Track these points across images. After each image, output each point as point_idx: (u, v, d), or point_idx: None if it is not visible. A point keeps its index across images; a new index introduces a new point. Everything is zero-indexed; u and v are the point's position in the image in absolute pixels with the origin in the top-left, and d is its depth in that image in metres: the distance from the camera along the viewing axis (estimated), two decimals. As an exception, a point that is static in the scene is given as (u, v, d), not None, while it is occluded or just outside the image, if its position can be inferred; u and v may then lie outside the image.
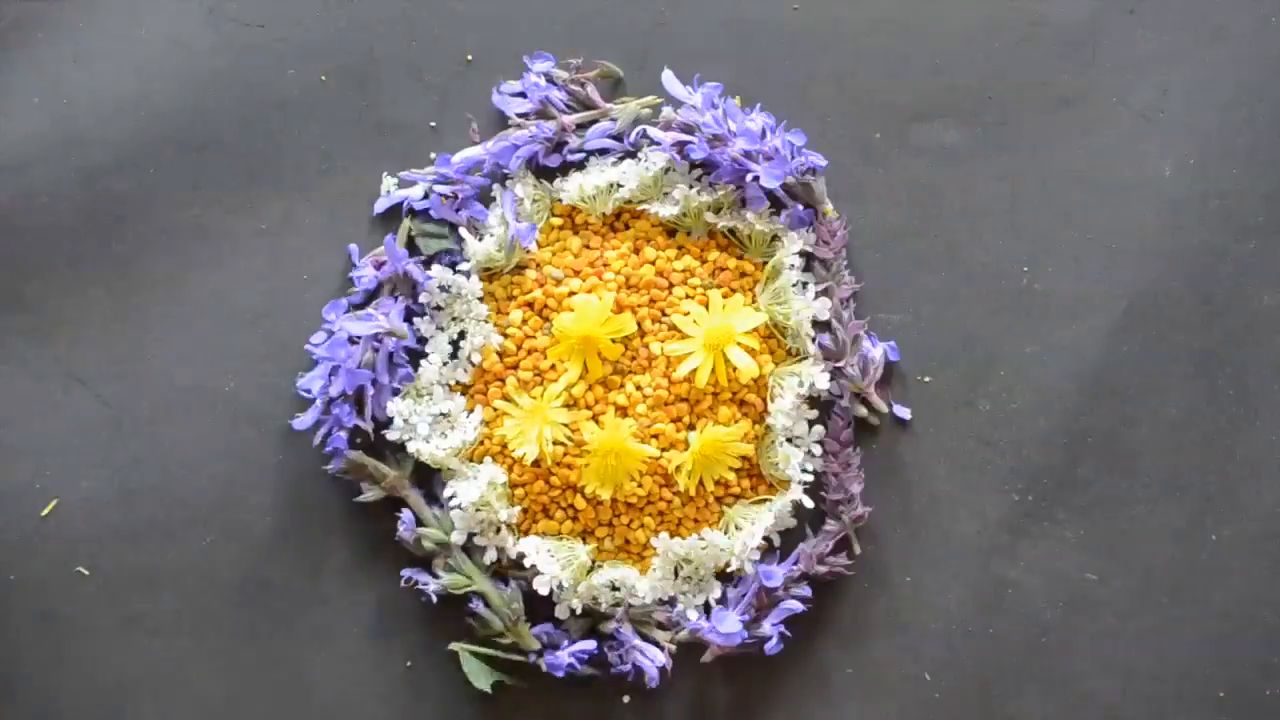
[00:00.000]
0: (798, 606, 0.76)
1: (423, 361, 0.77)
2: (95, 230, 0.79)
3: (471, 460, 0.78)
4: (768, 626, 0.76)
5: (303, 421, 0.76)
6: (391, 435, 0.77)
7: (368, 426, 0.77)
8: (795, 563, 0.77)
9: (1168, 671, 0.79)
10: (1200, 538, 0.79)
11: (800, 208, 0.78)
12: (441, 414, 0.77)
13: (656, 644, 0.76)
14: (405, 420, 0.77)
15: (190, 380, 0.79)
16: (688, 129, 0.78)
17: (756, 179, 0.77)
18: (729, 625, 0.75)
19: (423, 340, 0.78)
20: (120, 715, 0.78)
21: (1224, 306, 0.79)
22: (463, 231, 0.78)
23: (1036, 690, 0.79)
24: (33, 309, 0.79)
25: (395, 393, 0.78)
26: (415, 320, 0.78)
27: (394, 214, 0.80)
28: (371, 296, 0.79)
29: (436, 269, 0.77)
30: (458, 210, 0.79)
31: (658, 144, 0.77)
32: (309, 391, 0.77)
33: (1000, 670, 0.78)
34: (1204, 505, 0.79)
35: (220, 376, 0.78)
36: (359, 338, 0.77)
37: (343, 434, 0.76)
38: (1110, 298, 0.79)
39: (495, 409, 0.77)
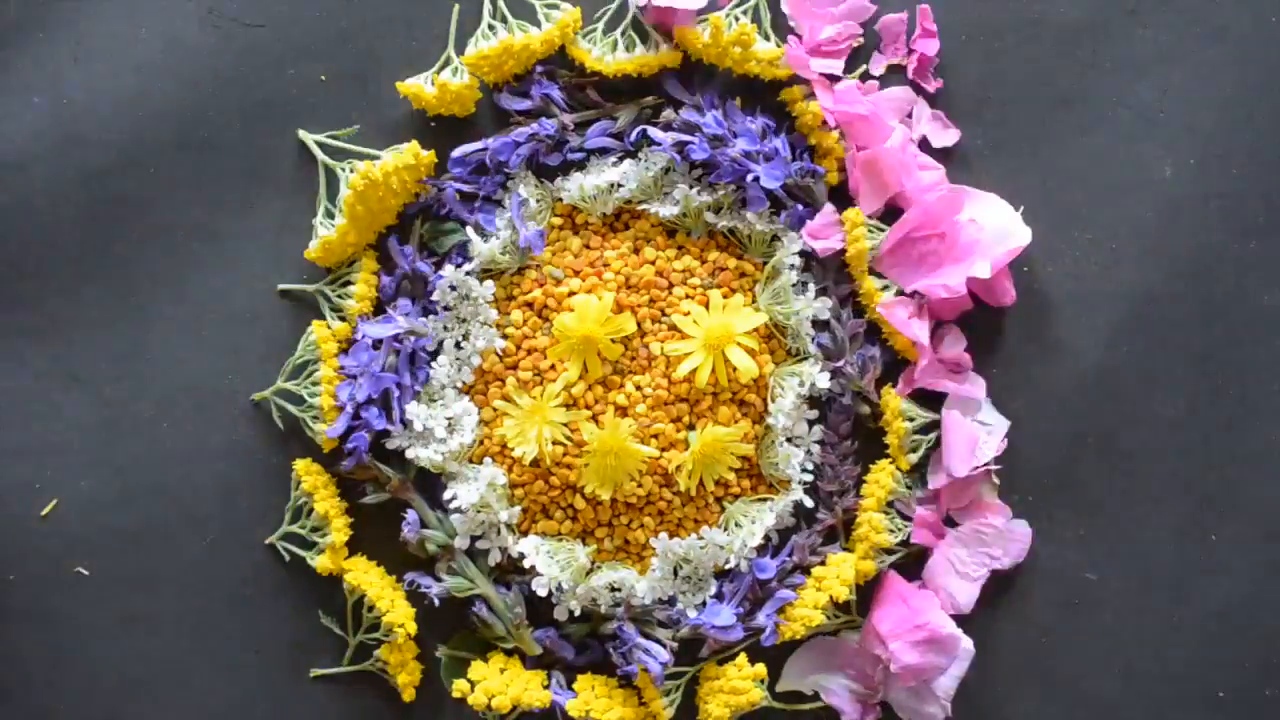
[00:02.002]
0: (791, 595, 0.76)
1: (433, 364, 0.77)
2: (95, 230, 0.79)
3: (471, 461, 0.78)
4: (762, 618, 0.76)
5: (334, 429, 0.76)
6: (391, 444, 0.77)
7: (396, 429, 0.77)
8: (789, 554, 0.78)
9: (1168, 671, 0.79)
10: (1200, 538, 0.79)
11: (800, 207, 0.78)
12: (446, 417, 0.77)
13: (659, 641, 0.76)
14: (424, 425, 0.77)
15: (190, 380, 0.79)
16: (688, 129, 0.78)
17: (757, 179, 0.77)
18: (723, 619, 0.75)
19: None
20: (120, 715, 0.78)
21: (1224, 306, 0.79)
22: (469, 231, 0.78)
23: (1036, 690, 0.79)
24: (33, 309, 0.79)
25: (418, 394, 0.78)
26: (428, 319, 0.78)
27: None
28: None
29: (449, 269, 0.77)
30: (473, 211, 0.79)
31: (658, 144, 0.77)
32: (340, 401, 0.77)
33: (1000, 670, 0.78)
34: (1204, 505, 0.79)
35: (220, 376, 0.78)
36: (380, 341, 0.77)
37: (365, 435, 0.77)
38: (1110, 298, 0.79)
39: (495, 409, 0.77)
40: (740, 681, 0.75)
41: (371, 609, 0.76)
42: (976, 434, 0.77)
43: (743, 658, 0.76)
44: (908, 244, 0.77)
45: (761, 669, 0.75)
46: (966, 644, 0.76)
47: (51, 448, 0.78)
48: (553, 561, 0.76)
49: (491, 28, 0.78)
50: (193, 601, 0.78)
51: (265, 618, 0.78)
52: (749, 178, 0.77)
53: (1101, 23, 0.80)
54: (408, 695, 0.77)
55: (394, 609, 0.76)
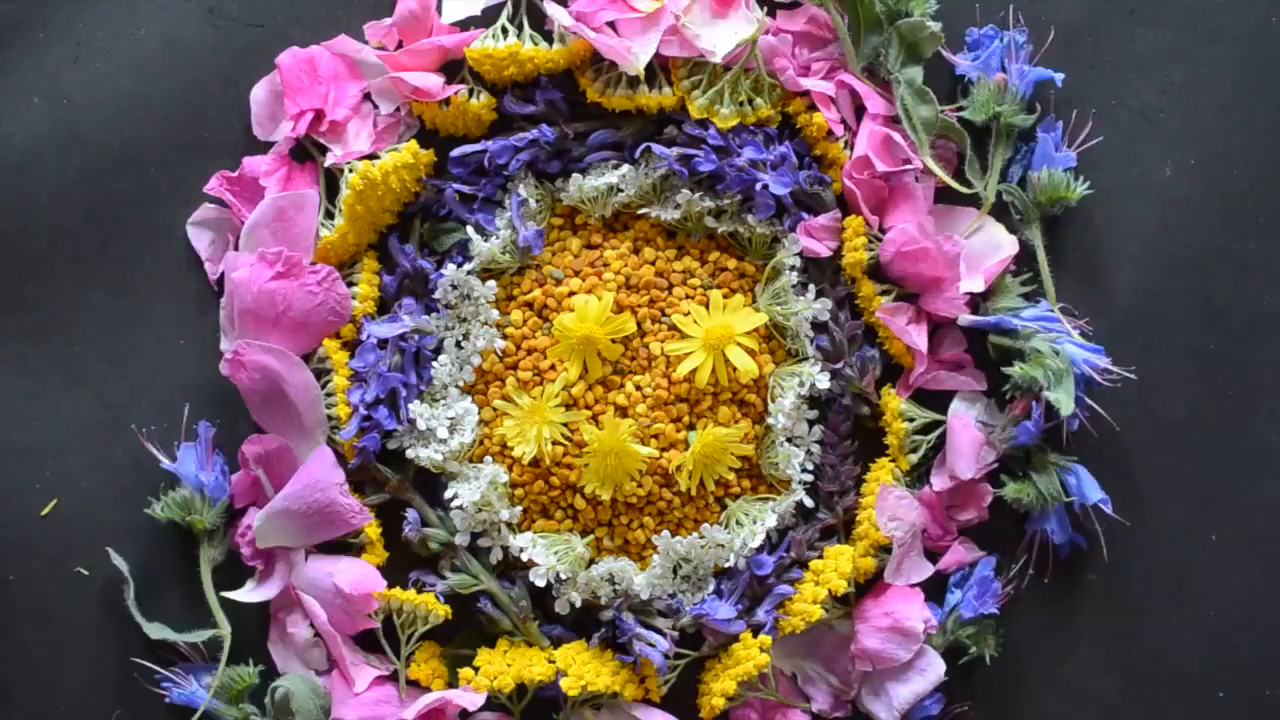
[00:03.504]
0: (790, 590, 0.76)
1: (434, 364, 0.77)
2: (95, 230, 0.79)
3: (471, 461, 0.78)
4: (762, 614, 0.76)
5: (347, 432, 0.76)
6: (392, 444, 0.77)
7: (403, 429, 0.77)
8: (786, 549, 0.78)
9: (1168, 671, 0.79)
10: (1200, 538, 0.79)
11: (806, 215, 0.78)
12: (448, 417, 0.77)
13: (659, 631, 0.76)
14: (427, 425, 0.77)
15: (190, 380, 0.79)
16: (692, 143, 0.77)
17: (765, 187, 0.77)
18: (723, 613, 0.76)
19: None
20: (120, 715, 0.78)
21: (1224, 306, 0.79)
22: (470, 231, 0.78)
23: (1037, 690, 0.79)
24: (33, 309, 0.79)
25: (422, 394, 0.78)
26: (431, 317, 0.78)
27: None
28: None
29: (450, 268, 0.77)
30: (473, 212, 0.78)
31: (663, 158, 0.77)
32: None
33: (1000, 671, 0.78)
34: (1204, 505, 0.79)
35: (220, 376, 0.78)
36: (386, 341, 0.77)
37: (377, 435, 0.77)
38: (1111, 297, 0.79)
39: (495, 409, 0.77)
40: (745, 651, 0.75)
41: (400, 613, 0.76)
42: (981, 436, 0.77)
43: (746, 634, 0.76)
44: (902, 260, 0.77)
45: (767, 639, 0.75)
46: (938, 666, 0.76)
47: (51, 448, 0.78)
48: (550, 553, 0.76)
49: (505, 30, 0.77)
50: (194, 601, 0.78)
51: (267, 617, 0.78)
52: (757, 186, 0.77)
53: (1101, 23, 0.80)
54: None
55: (421, 598, 0.75)
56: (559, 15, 0.76)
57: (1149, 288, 0.79)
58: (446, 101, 0.77)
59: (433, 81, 0.77)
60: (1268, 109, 0.80)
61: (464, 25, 0.78)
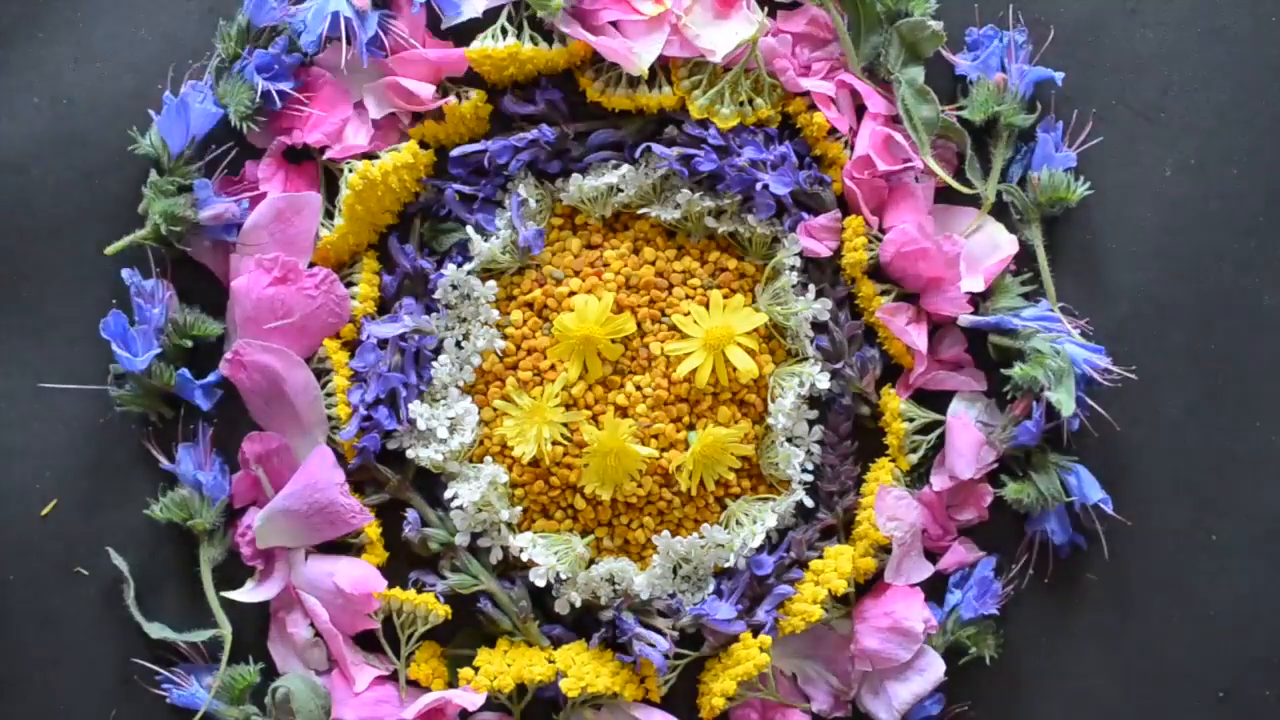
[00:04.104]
0: (789, 590, 0.76)
1: (434, 364, 0.77)
2: (95, 230, 0.78)
3: (471, 461, 0.78)
4: (762, 614, 0.76)
5: (347, 432, 0.76)
6: (392, 444, 0.77)
7: (403, 429, 0.77)
8: (786, 549, 0.78)
9: (1168, 671, 0.79)
10: (1200, 538, 0.79)
11: (806, 215, 0.78)
12: (449, 417, 0.77)
13: (659, 631, 0.76)
14: (427, 425, 0.77)
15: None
16: (693, 143, 0.77)
17: (766, 187, 0.77)
18: (723, 613, 0.76)
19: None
20: (120, 715, 0.78)
21: (1224, 306, 0.79)
22: (470, 231, 0.78)
23: (1037, 690, 0.79)
24: (33, 309, 0.79)
25: (422, 394, 0.78)
26: (431, 317, 0.78)
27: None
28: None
29: (450, 268, 0.77)
30: (473, 212, 0.78)
31: (664, 158, 0.77)
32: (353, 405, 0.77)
33: (1000, 670, 0.78)
34: (1204, 505, 0.79)
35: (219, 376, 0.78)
36: (386, 341, 0.77)
37: (377, 436, 0.77)
38: (1110, 298, 0.79)
39: (495, 409, 0.77)
40: (745, 651, 0.75)
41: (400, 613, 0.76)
42: (981, 436, 0.77)
43: (746, 634, 0.76)
44: (902, 260, 0.77)
45: (767, 639, 0.75)
46: (938, 666, 0.76)
47: (51, 448, 0.78)
48: (550, 552, 0.76)
49: (504, 30, 0.77)
50: (194, 601, 0.78)
51: (267, 616, 0.78)
52: (758, 186, 0.77)
53: (1101, 23, 0.80)
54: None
55: (421, 598, 0.75)
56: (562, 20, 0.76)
57: (1149, 288, 0.79)
58: (441, 114, 0.77)
59: (424, 90, 0.76)
60: (1268, 109, 0.80)
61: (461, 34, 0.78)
